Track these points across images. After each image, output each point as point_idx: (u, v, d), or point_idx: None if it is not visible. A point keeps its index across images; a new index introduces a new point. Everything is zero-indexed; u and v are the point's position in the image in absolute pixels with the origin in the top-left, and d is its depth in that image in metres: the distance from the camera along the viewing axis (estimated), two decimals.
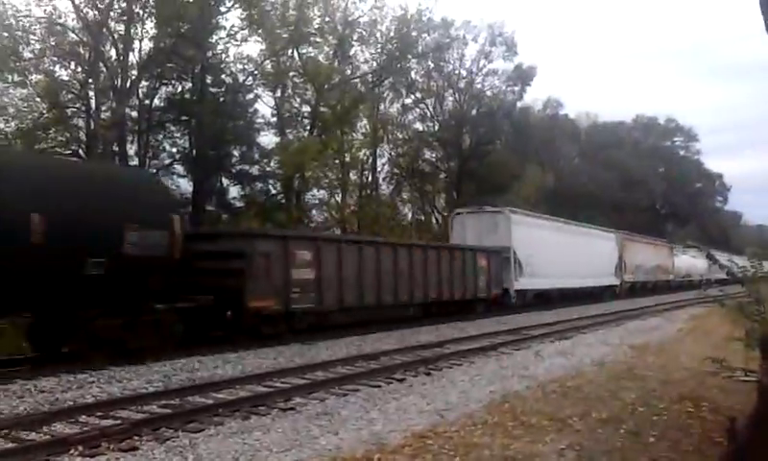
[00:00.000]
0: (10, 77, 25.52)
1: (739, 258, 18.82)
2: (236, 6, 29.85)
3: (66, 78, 27.48)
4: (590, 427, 8.81)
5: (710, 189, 78.69)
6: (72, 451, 7.51)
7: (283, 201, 33.43)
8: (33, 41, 25.80)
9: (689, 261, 54.06)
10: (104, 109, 27.43)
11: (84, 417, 9.10)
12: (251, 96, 33.81)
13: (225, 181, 33.08)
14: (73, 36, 26.68)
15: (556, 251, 31.05)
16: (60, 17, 26.03)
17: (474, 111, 45.36)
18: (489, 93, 45.98)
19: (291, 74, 34.49)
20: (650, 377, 12.57)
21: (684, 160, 74.21)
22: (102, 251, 12.97)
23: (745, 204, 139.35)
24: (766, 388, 7.53)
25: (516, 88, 46.63)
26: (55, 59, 26.78)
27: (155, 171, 30.82)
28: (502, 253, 27.60)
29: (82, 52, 26.84)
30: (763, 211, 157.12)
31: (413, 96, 43.71)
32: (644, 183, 59.74)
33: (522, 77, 46.17)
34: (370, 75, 37.76)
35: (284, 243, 17.80)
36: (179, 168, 31.78)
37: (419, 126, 45.14)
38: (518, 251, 28.59)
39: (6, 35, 24.78)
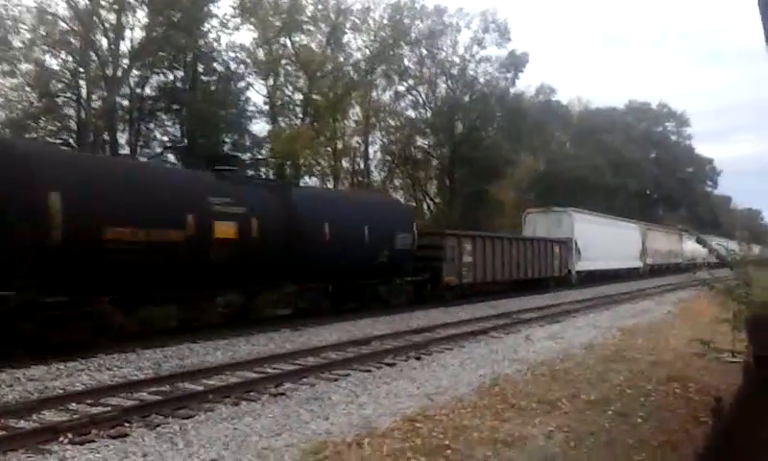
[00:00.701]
0: None
1: (728, 242, 18.95)
2: None
3: (57, 67, 27.48)
4: (579, 409, 8.89)
5: (701, 174, 78.92)
6: (62, 439, 7.51)
7: None
8: (22, 30, 25.77)
9: (694, 246, 55.88)
10: (95, 98, 27.37)
11: (73, 404, 9.10)
12: (242, 84, 33.81)
13: None
14: (63, 25, 26.58)
15: (601, 240, 38.60)
16: (50, 6, 26.03)
17: (467, 98, 45.26)
18: (481, 80, 45.90)
19: (283, 62, 34.42)
20: (638, 359, 12.68)
21: (676, 145, 74.33)
22: (387, 247, 21.53)
23: (734, 188, 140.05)
24: (751, 369, 7.60)
25: (509, 75, 46.55)
26: (45, 48, 26.70)
27: (146, 159, 30.84)
28: (567, 243, 35.56)
29: (72, 41, 26.73)
30: (751, 195, 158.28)
31: (405, 83, 43.65)
32: (636, 168, 59.79)
33: (515, 63, 46.07)
34: (362, 62, 37.70)
35: (458, 239, 26.03)
36: (170, 157, 31.67)
37: (411, 113, 45.13)
38: (579, 241, 36.38)
39: None
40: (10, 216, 12.08)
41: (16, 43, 25.64)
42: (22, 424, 8.20)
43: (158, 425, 8.15)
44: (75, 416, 8.45)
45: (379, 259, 21.24)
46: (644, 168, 62.53)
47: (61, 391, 10.00)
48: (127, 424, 8.12)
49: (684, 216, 74.91)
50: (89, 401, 9.26)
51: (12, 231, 12.07)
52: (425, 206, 46.30)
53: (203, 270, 15.44)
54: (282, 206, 18.13)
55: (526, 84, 56.78)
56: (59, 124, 27.77)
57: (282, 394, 9.93)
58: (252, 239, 16.59)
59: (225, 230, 15.82)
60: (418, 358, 13.15)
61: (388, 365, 12.36)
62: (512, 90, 47.72)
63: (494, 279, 28.70)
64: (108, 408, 8.82)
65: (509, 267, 29.62)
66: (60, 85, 27.33)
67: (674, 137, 75.32)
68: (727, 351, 12.37)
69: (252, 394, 9.84)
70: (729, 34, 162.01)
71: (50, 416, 8.58)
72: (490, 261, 27.95)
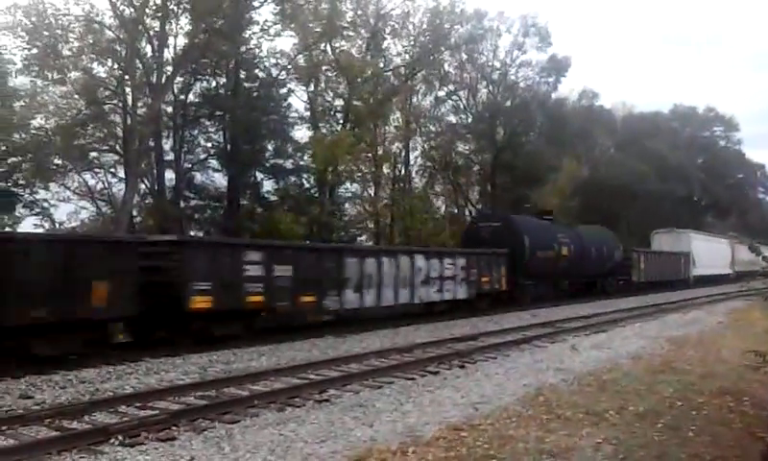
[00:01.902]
0: (49, 75, 26.03)
1: None
2: (269, 0, 30.02)
3: (103, 75, 27.97)
4: (627, 421, 8.68)
5: (752, 180, 76.74)
6: (112, 441, 7.66)
7: (316, 194, 33.56)
8: (71, 39, 26.24)
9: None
10: (140, 105, 27.82)
11: (123, 407, 9.28)
12: (284, 90, 34.03)
13: (259, 176, 33.33)
14: (110, 33, 27.10)
15: (706, 253, 49.67)
16: (97, 15, 26.47)
17: (508, 103, 44.89)
18: (522, 85, 45.49)
19: (324, 68, 34.57)
20: (689, 371, 12.35)
21: (725, 150, 72.45)
22: (608, 260, 35.55)
23: None
24: None
25: (551, 79, 46.07)
26: (92, 56, 27.22)
27: (190, 165, 31.32)
28: (688, 255, 47.12)
29: (118, 49, 27.24)
30: None
31: (446, 88, 43.43)
32: (682, 174, 58.51)
33: (557, 68, 45.58)
34: (402, 68, 37.64)
35: (638, 253, 40.43)
36: (213, 163, 32.14)
37: (452, 118, 44.91)
38: (693, 253, 47.61)
39: (46, 33, 25.26)
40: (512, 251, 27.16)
41: (65, 52, 26.22)
42: (75, 425, 8.38)
43: (205, 430, 8.24)
44: (125, 418, 8.60)
45: (608, 266, 35.94)
46: (691, 174, 61.11)
47: (111, 394, 10.19)
48: (174, 428, 8.23)
49: (734, 223, 72.95)
50: (138, 404, 9.42)
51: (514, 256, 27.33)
52: (467, 213, 46.05)
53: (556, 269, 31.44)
54: (574, 238, 33.12)
55: (569, 88, 55.94)
56: (105, 131, 28.36)
57: (327, 400, 9.95)
58: (570, 256, 31.97)
59: (565, 251, 31.64)
60: (461, 367, 13.05)
61: (432, 373, 12.30)
62: (553, 95, 47.30)
63: (651, 280, 40.50)
64: (157, 411, 8.96)
65: (659, 272, 42.11)
66: (106, 93, 27.86)
67: (722, 142, 73.43)
68: None
69: (296, 400, 9.89)
70: None
71: (101, 418, 8.76)
72: (650, 267, 41.11)
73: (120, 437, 7.75)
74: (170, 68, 28.32)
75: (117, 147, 28.28)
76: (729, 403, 9.76)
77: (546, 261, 29.76)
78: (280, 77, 33.29)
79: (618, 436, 7.97)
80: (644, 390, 10.58)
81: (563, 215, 45.89)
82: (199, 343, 14.57)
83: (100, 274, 12.91)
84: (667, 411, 9.26)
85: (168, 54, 28.62)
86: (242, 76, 31.98)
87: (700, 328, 20.26)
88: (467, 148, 45.30)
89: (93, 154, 28.63)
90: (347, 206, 38.07)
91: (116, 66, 27.65)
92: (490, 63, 44.61)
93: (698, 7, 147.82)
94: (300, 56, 33.55)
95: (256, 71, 32.67)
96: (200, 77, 31.45)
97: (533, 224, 31.18)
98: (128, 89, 27.63)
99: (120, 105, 28.01)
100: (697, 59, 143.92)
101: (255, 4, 30.12)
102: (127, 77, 27.19)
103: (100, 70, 27.89)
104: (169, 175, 30.15)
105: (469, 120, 44.79)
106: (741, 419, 8.92)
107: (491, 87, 45.14)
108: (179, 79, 29.87)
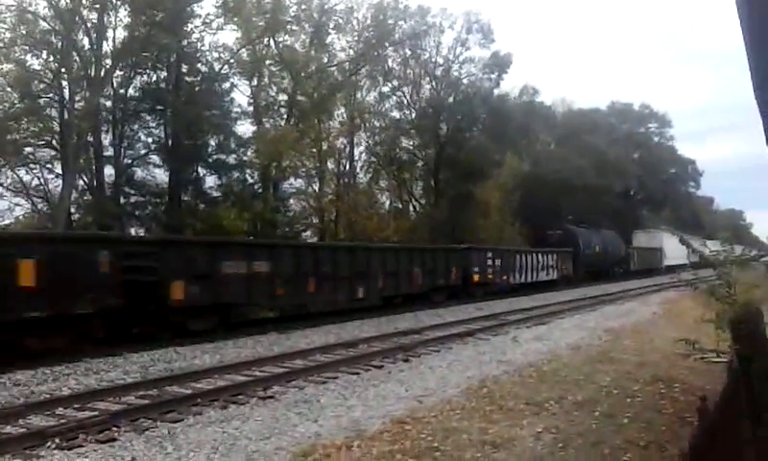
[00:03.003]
0: None
1: (711, 243, 19.17)
2: None
3: (38, 67, 27.03)
4: (566, 410, 8.96)
5: (684, 175, 79.44)
6: (49, 444, 7.48)
7: (260, 190, 33.23)
8: (2, 30, 25.28)
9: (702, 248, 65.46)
10: (77, 99, 26.98)
11: (60, 409, 9.05)
12: (227, 85, 33.46)
13: (201, 171, 32.70)
14: (44, 24, 26.18)
15: (673, 248, 53.41)
16: (30, 5, 25.55)
17: (451, 99, 45.20)
18: (465, 81, 45.83)
19: (267, 62, 34.20)
20: (625, 360, 12.79)
21: (659, 146, 74.78)
22: (618, 253, 51.16)
23: (715, 189, 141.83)
24: (735, 368, 7.69)
25: (493, 76, 46.52)
26: (26, 47, 26.27)
27: (130, 161, 30.62)
28: (660, 249, 58.70)
29: (54, 41, 26.36)
30: (732, 195, 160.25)
31: (390, 84, 43.51)
32: (619, 169, 60.12)
33: (499, 64, 46.11)
34: (347, 63, 37.55)
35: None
36: (154, 158, 31.40)
37: (396, 114, 44.93)
38: (663, 248, 58.31)
39: None
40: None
41: None
42: (9, 429, 8.14)
43: (147, 430, 8.13)
44: (62, 421, 8.40)
45: (618, 256, 49.88)
46: (627, 169, 62.84)
47: (48, 396, 9.92)
48: (115, 429, 8.10)
49: (667, 217, 75.45)
50: (77, 406, 9.21)
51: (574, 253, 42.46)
52: (411, 208, 46.29)
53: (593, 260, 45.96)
54: (600, 240, 45.77)
55: (510, 85, 56.82)
56: (41, 125, 27.40)
57: (271, 397, 9.93)
58: (599, 252, 45.76)
59: (598, 249, 46.39)
60: (405, 360, 13.18)
61: (376, 367, 12.39)
62: (496, 91, 47.75)
63: (641, 269, 53.63)
64: (96, 413, 8.78)
65: (646, 262, 56.05)
66: (41, 86, 26.95)
67: (656, 138, 75.72)
68: (711, 350, 12.52)
69: (240, 397, 9.83)
70: (708, 33, 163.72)
71: (37, 421, 8.53)
72: (640, 260, 55.12)
73: (57, 440, 7.56)
74: (109, 61, 27.58)
75: (54, 142, 27.34)
76: (661, 390, 10.16)
77: (589, 256, 44.93)
78: (223, 71, 32.78)
79: (558, 425, 8.21)
80: (583, 380, 10.91)
81: (505, 210, 46.68)
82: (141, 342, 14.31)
83: None
84: (604, 399, 9.58)
85: (107, 47, 27.87)
86: (184, 70, 31.38)
87: (635, 319, 20.94)
88: (411, 143, 45.48)
89: (28, 149, 27.60)
90: (291, 201, 37.75)
91: (52, 59, 26.77)
92: (433, 60, 44.87)
93: (636, 6, 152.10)
94: (243, 50, 33.12)
95: (198, 65, 32.08)
96: (140, 71, 30.68)
97: (580, 231, 45.69)
98: (64, 83, 26.80)
99: (56, 98, 27.14)
100: (632, 57, 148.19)
101: None
102: (63, 70, 26.37)
103: (34, 63, 26.97)
104: (108, 171, 29.32)
105: (413, 116, 44.97)
106: (672, 405, 9.30)
107: (434, 83, 45.40)
108: (118, 72, 29.12)
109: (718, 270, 12.89)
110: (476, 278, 28.72)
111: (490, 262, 30.42)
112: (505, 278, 31.81)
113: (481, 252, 30.24)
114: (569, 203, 52.88)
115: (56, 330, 12.88)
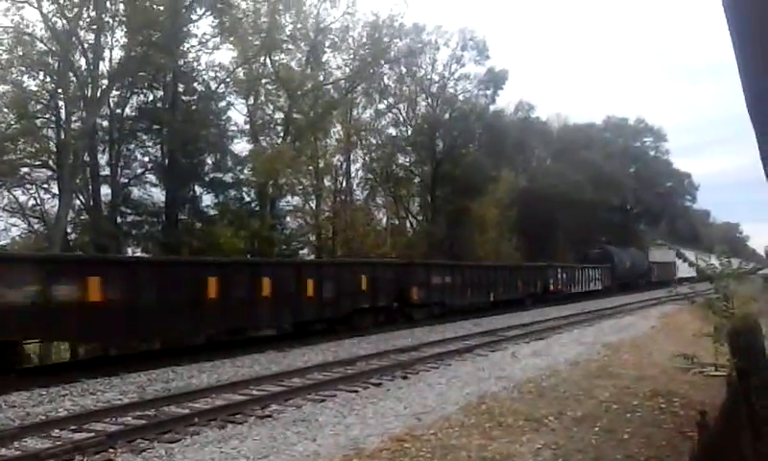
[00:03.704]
0: None
1: (708, 256, 19.18)
2: (208, 13, 29.65)
3: (35, 88, 27.08)
4: (566, 426, 8.91)
5: (680, 188, 79.75)
6: None
7: (257, 208, 33.24)
8: None
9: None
10: (74, 119, 27.03)
11: (56, 431, 8.98)
12: (223, 104, 33.56)
13: (198, 190, 32.68)
14: (41, 45, 26.29)
15: (666, 259, 60.45)
16: (27, 27, 25.66)
17: (447, 116, 45.43)
18: (461, 97, 46.12)
19: (263, 81, 34.36)
20: (623, 375, 12.75)
21: (654, 160, 75.10)
22: (641, 266, 59.46)
23: (712, 202, 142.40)
24: (734, 382, 7.68)
25: (489, 92, 46.85)
26: (23, 69, 26.36)
27: (127, 180, 30.60)
28: (673, 262, 57.93)
29: (50, 62, 26.45)
30: (729, 209, 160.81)
31: (386, 101, 43.75)
32: (615, 183, 60.37)
33: (494, 81, 46.41)
34: (342, 81, 37.72)
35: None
36: (151, 177, 31.39)
37: (392, 131, 45.18)
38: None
39: None
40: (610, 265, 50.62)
41: None
42: (3, 451, 8.07)
43: (144, 450, 8.07)
44: (58, 443, 8.33)
45: (643, 269, 57.27)
46: (624, 183, 63.11)
47: (44, 417, 9.85)
48: (112, 450, 8.04)
49: (663, 230, 75.58)
50: (73, 427, 9.14)
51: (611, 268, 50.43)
52: (408, 224, 46.32)
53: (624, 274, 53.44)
54: (629, 256, 55.00)
55: (506, 101, 57.29)
56: (38, 146, 27.40)
57: (269, 416, 9.87)
58: (629, 267, 54.31)
59: (628, 265, 54.27)
60: (404, 377, 13.13)
61: (374, 385, 12.33)
62: (491, 108, 48.09)
63: (659, 280, 56.83)
64: (93, 434, 8.71)
65: (663, 275, 58.64)
66: (38, 107, 27.00)
67: (652, 153, 76.09)
68: (710, 364, 12.49)
69: (238, 416, 9.77)
70: (701, 47, 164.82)
71: (32, 443, 8.46)
72: (659, 273, 59.93)
73: None
74: (105, 81, 27.63)
75: (50, 162, 27.34)
76: (660, 405, 10.12)
77: (622, 270, 52.03)
78: (219, 90, 32.92)
79: (557, 441, 8.17)
80: (582, 395, 10.87)
81: (501, 225, 46.76)
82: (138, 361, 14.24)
83: None
84: (604, 415, 9.54)
85: (103, 67, 27.91)
86: (180, 89, 31.45)
87: (634, 333, 20.91)
88: (407, 160, 45.65)
89: (25, 169, 27.60)
90: (288, 219, 37.78)
91: (48, 79, 26.84)
92: (428, 77, 45.16)
93: (630, 23, 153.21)
94: (240, 69, 33.28)
95: (195, 84, 32.18)
96: (137, 90, 30.74)
97: (615, 250, 53.14)
98: (61, 103, 26.83)
99: (53, 119, 27.17)
100: (627, 71, 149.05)
101: (194, 17, 29.73)
102: (60, 90, 26.42)
103: (31, 83, 27.03)
104: (105, 190, 29.31)
105: (409, 132, 45.17)
106: (672, 419, 9.26)
107: (430, 100, 45.64)
108: (115, 92, 29.14)
109: (715, 283, 12.87)
110: (552, 287, 37.68)
111: (559, 276, 39.19)
112: (568, 287, 40.43)
113: (554, 268, 39.15)
114: (566, 217, 52.97)
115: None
